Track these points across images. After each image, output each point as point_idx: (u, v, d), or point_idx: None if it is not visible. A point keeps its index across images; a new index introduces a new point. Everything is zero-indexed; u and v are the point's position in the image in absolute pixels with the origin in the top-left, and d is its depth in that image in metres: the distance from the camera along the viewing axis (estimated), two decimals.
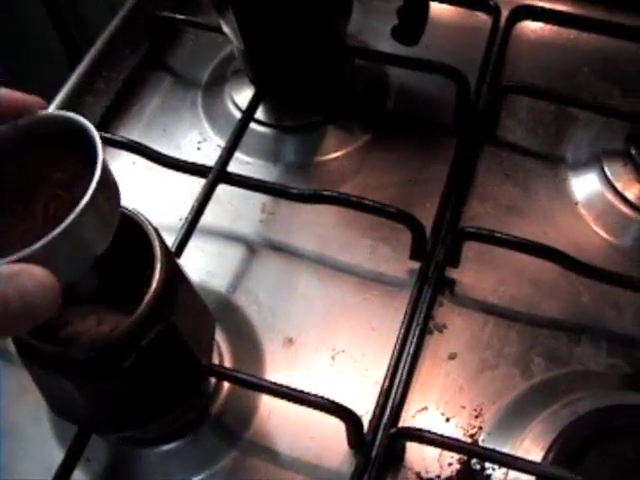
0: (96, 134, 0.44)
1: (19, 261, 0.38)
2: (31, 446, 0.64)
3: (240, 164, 0.75)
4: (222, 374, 0.60)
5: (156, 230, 0.52)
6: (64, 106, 0.83)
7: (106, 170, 0.43)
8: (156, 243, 0.51)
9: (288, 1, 0.68)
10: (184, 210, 0.73)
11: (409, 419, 0.62)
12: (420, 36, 0.72)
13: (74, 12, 1.35)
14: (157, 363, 0.52)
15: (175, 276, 0.52)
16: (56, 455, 0.62)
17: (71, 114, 0.45)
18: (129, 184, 0.75)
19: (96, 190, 0.41)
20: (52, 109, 0.82)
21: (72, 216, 0.40)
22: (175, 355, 0.54)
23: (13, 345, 0.51)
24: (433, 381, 0.64)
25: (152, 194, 0.77)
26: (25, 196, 0.45)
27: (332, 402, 0.58)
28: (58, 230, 0.39)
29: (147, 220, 0.52)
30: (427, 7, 0.70)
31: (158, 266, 0.50)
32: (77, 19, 1.36)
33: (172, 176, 0.75)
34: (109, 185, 0.45)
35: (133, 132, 0.82)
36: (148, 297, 0.49)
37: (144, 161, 0.76)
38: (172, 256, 0.54)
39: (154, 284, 0.49)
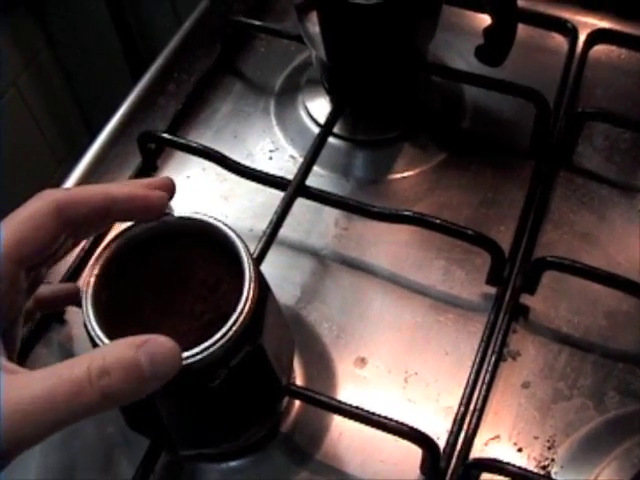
0: (240, 244, 0.50)
1: None
2: (95, 453, 0.64)
3: (314, 176, 0.74)
4: (301, 395, 0.60)
5: (244, 242, 0.51)
6: (136, 106, 0.83)
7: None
8: (246, 258, 0.50)
9: (377, 18, 0.67)
10: (254, 219, 0.73)
11: (481, 447, 0.62)
12: (505, 57, 0.72)
13: (140, 27, 1.35)
14: (241, 383, 0.51)
15: (264, 295, 0.51)
16: (121, 463, 0.62)
17: (214, 220, 0.51)
18: (198, 190, 0.75)
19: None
20: (122, 110, 0.82)
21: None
22: (258, 375, 0.53)
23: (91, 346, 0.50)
24: (506, 410, 0.63)
25: (221, 201, 0.76)
26: (172, 288, 0.51)
27: (411, 428, 0.57)
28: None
29: (235, 232, 0.52)
30: (515, 29, 0.69)
31: (249, 285, 0.49)
32: (142, 33, 1.36)
33: (242, 184, 0.74)
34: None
35: (204, 137, 0.81)
36: (240, 316, 0.48)
37: (214, 167, 0.75)
38: (261, 273, 0.53)
39: (245, 303, 0.48)
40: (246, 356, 0.49)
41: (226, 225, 0.51)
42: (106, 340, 0.48)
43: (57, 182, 1.36)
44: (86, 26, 1.39)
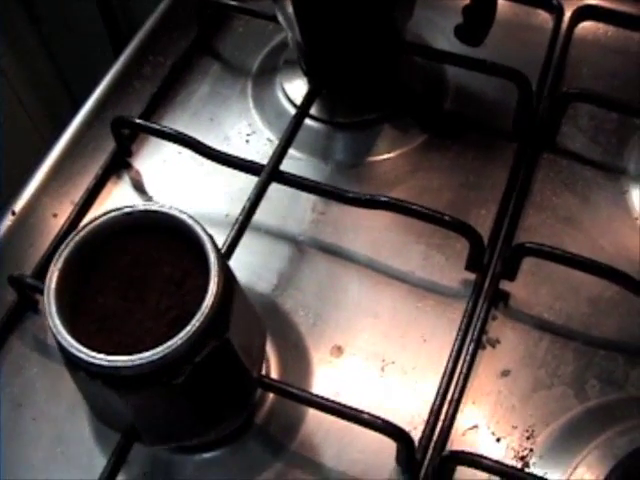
0: (206, 237, 0.49)
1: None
2: (70, 446, 0.63)
3: (291, 160, 0.73)
4: (273, 387, 0.59)
5: (211, 237, 0.50)
6: (110, 90, 0.81)
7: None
8: (212, 254, 0.49)
9: None
10: (230, 205, 0.72)
11: (459, 437, 0.61)
12: (485, 37, 0.70)
13: (123, 4, 1.33)
14: (208, 378, 0.50)
15: (230, 289, 0.50)
16: (95, 455, 0.61)
17: (179, 213, 0.50)
18: (174, 175, 0.74)
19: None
20: (97, 94, 0.80)
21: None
22: (227, 369, 0.52)
23: (58, 350, 0.49)
24: (485, 398, 0.62)
25: (197, 186, 0.75)
26: (138, 283, 0.50)
27: (385, 421, 0.56)
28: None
29: (200, 225, 0.50)
30: (495, 7, 0.68)
31: (214, 279, 0.48)
32: (125, 11, 1.35)
33: (219, 168, 0.73)
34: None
35: (180, 120, 0.80)
36: (204, 312, 0.47)
37: (189, 152, 0.73)
38: (228, 267, 0.52)
39: (210, 300, 0.47)
40: (212, 351, 0.48)
41: (191, 218, 0.50)
42: (68, 337, 0.47)
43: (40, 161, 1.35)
44: (69, 3, 1.37)
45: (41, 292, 0.64)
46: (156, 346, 0.46)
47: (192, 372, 0.48)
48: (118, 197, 0.75)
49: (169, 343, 0.46)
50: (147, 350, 0.46)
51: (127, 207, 0.51)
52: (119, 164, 0.77)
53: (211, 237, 0.50)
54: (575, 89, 0.74)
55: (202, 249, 0.49)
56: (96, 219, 0.51)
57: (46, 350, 0.67)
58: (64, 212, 0.73)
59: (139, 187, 0.75)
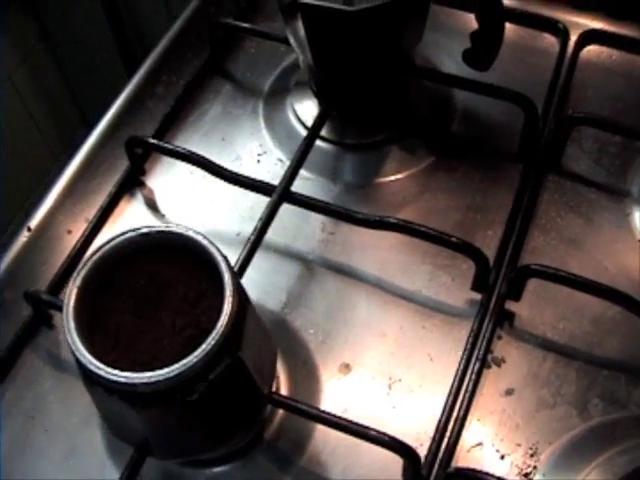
0: (220, 258, 0.51)
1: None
2: (82, 458, 0.64)
3: (300, 180, 0.74)
4: (283, 403, 0.60)
5: (225, 258, 0.51)
6: (124, 109, 0.83)
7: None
8: (226, 274, 0.50)
9: (361, 24, 0.67)
10: (241, 223, 0.73)
11: (464, 454, 0.62)
12: (492, 61, 0.71)
13: (134, 21, 1.35)
14: (221, 395, 0.52)
15: (244, 308, 0.52)
16: (107, 468, 0.63)
17: (194, 234, 0.52)
18: (186, 194, 0.75)
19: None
20: (111, 114, 0.82)
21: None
22: (239, 386, 0.54)
23: (76, 365, 0.50)
24: (489, 417, 0.63)
25: (209, 205, 0.77)
26: (154, 302, 0.51)
27: (392, 438, 0.57)
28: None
29: (215, 246, 0.52)
30: (502, 33, 0.69)
31: (229, 299, 0.49)
32: (136, 28, 1.36)
33: (230, 187, 0.74)
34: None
35: (192, 139, 0.81)
36: (218, 331, 0.48)
37: (201, 171, 0.75)
38: (241, 287, 0.53)
39: (224, 318, 0.49)
40: (225, 369, 0.50)
41: (206, 239, 0.51)
42: (86, 354, 0.48)
43: (52, 177, 1.37)
44: (80, 20, 1.39)
45: (55, 308, 0.66)
46: (172, 364, 0.47)
47: (206, 389, 0.49)
48: (131, 215, 0.76)
49: (185, 361, 0.47)
50: (163, 368, 0.47)
51: (144, 228, 0.53)
52: (132, 183, 0.78)
53: (225, 258, 0.51)
54: (580, 113, 0.76)
55: (216, 269, 0.51)
56: (113, 239, 0.52)
57: (59, 364, 0.69)
58: (78, 229, 0.75)
59: (152, 205, 0.77)
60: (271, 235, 0.70)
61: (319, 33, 0.69)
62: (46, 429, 0.65)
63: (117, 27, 1.33)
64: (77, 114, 1.55)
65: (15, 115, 1.38)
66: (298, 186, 0.73)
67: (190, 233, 0.52)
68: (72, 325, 0.49)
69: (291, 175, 0.71)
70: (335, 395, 0.65)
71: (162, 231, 0.53)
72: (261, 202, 0.72)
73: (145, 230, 0.52)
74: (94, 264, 0.52)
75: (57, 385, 0.67)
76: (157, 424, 0.53)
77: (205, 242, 0.51)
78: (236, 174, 0.72)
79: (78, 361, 0.48)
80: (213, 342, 0.48)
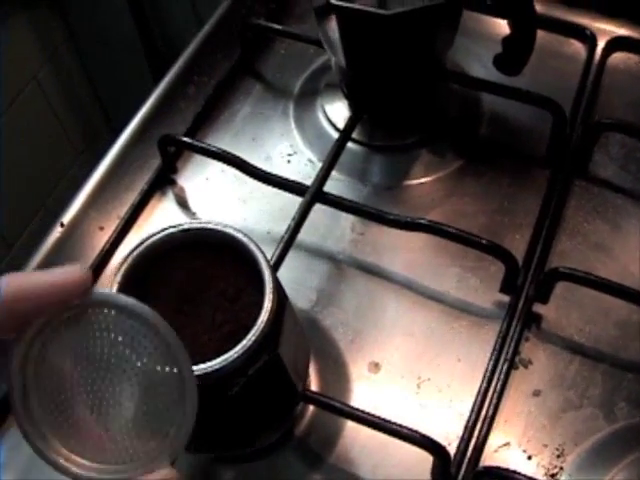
0: (260, 255, 0.51)
1: None
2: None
3: (330, 180, 0.75)
4: (316, 400, 0.61)
5: (264, 255, 0.52)
6: (156, 109, 0.84)
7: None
8: (266, 271, 0.51)
9: (396, 28, 0.67)
10: (272, 222, 0.74)
11: (491, 454, 0.62)
12: (523, 67, 0.72)
13: (160, 22, 1.36)
14: (257, 390, 0.53)
15: (282, 305, 0.52)
16: None
17: (234, 231, 0.52)
18: (216, 192, 0.76)
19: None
20: (143, 113, 0.83)
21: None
22: (275, 382, 0.55)
23: None
24: (516, 417, 0.64)
25: (239, 203, 0.78)
26: (193, 298, 0.52)
27: (423, 435, 0.58)
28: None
29: (255, 243, 0.53)
30: (534, 38, 0.70)
31: (269, 296, 0.50)
32: (162, 28, 1.37)
33: (260, 187, 0.75)
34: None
35: (223, 140, 0.82)
36: (259, 327, 0.49)
37: (233, 170, 0.76)
38: (280, 285, 0.54)
39: (265, 316, 0.50)
40: (264, 365, 0.51)
41: (246, 236, 0.52)
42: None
43: (75, 174, 1.38)
44: (106, 20, 1.40)
45: None
46: (212, 359, 0.48)
47: (244, 384, 0.50)
48: (162, 212, 0.78)
49: (226, 356, 0.48)
50: (203, 362, 0.48)
51: (184, 224, 0.53)
52: (164, 181, 0.79)
53: (265, 255, 0.52)
54: (608, 119, 0.76)
55: (256, 266, 0.51)
56: (154, 235, 0.53)
57: None
58: (110, 225, 0.76)
59: (182, 203, 0.78)
60: (302, 234, 0.71)
61: (353, 36, 0.70)
62: None
63: (143, 27, 1.34)
64: (101, 114, 1.56)
65: (40, 113, 1.39)
66: (328, 186, 0.74)
67: (230, 230, 0.53)
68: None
69: (323, 176, 0.72)
70: (365, 393, 0.66)
71: (202, 228, 0.53)
72: (291, 201, 0.73)
73: (185, 226, 0.53)
74: (135, 260, 0.52)
75: None
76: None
77: (245, 239, 0.52)
78: (270, 174, 0.73)
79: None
80: (253, 338, 0.49)
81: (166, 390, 0.39)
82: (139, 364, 0.38)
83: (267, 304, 0.50)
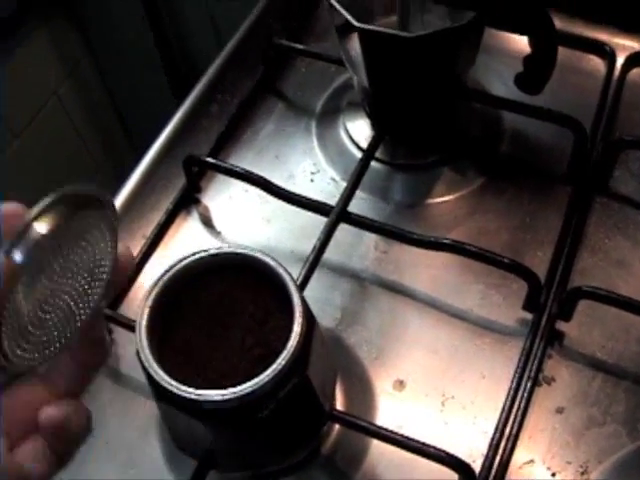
0: (289, 279, 0.52)
1: None
2: (142, 470, 0.66)
3: (354, 199, 0.75)
4: (343, 420, 0.62)
5: (293, 279, 0.53)
6: (179, 128, 0.85)
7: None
8: (295, 295, 0.52)
9: (419, 47, 0.68)
10: (295, 241, 0.75)
11: (516, 471, 0.63)
12: (544, 85, 0.73)
13: (180, 38, 1.37)
14: (286, 411, 0.53)
15: (311, 328, 0.53)
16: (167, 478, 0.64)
17: (262, 255, 0.53)
18: (240, 211, 0.77)
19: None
20: (167, 132, 0.84)
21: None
22: (303, 403, 0.55)
23: (148, 382, 0.51)
24: (540, 434, 0.65)
25: (262, 223, 0.78)
26: (223, 321, 0.53)
27: (449, 454, 0.59)
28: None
29: (283, 268, 0.54)
30: (555, 57, 0.71)
31: (298, 320, 0.51)
32: (182, 44, 1.39)
33: (283, 206, 0.76)
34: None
35: (246, 158, 0.83)
36: (289, 351, 0.50)
37: (256, 189, 0.77)
38: (308, 308, 0.55)
39: (294, 338, 0.50)
40: (293, 387, 0.51)
41: (275, 260, 0.53)
42: (160, 371, 0.50)
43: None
44: (126, 37, 1.41)
45: (115, 322, 0.68)
46: (241, 382, 0.49)
47: (274, 407, 0.51)
48: (187, 232, 0.78)
49: (256, 380, 0.49)
50: (233, 385, 0.49)
51: (213, 249, 0.54)
52: (188, 200, 0.80)
53: (293, 279, 0.53)
54: (629, 136, 0.77)
55: (284, 290, 0.52)
56: (184, 259, 0.54)
57: (118, 378, 0.71)
58: (136, 245, 0.77)
59: (207, 222, 0.79)
60: (326, 253, 0.72)
61: (376, 56, 0.71)
62: (107, 441, 0.67)
63: (162, 43, 1.35)
64: (120, 129, 1.57)
65: (60, 128, 1.41)
66: (352, 205, 0.74)
67: (259, 255, 0.53)
68: (145, 343, 0.51)
69: (348, 196, 0.72)
70: (390, 411, 0.66)
71: (231, 252, 0.54)
72: (314, 221, 0.74)
73: (214, 251, 0.54)
74: (164, 283, 0.53)
75: (116, 398, 0.69)
76: (225, 439, 0.55)
77: (273, 263, 0.53)
78: (294, 194, 0.74)
79: (150, 378, 0.50)
80: (283, 362, 0.49)
81: None
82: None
83: (296, 328, 0.51)
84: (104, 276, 0.43)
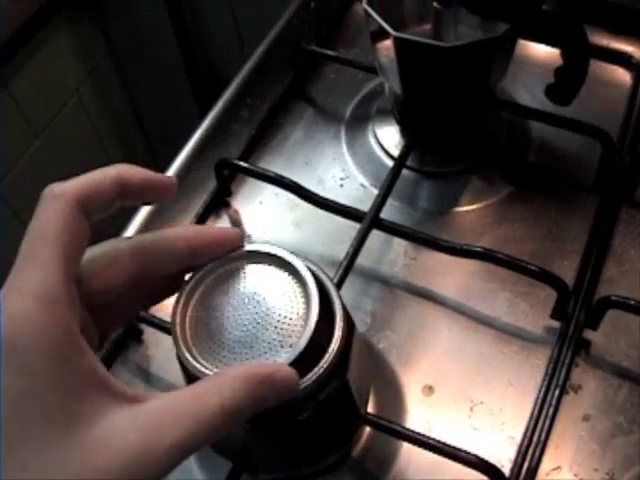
0: (331, 285, 0.54)
1: None
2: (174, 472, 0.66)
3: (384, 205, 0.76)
4: (377, 424, 0.62)
5: (334, 284, 0.54)
6: (210, 131, 0.86)
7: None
8: (336, 300, 0.53)
9: (454, 57, 0.69)
10: (323, 246, 0.76)
11: (543, 477, 0.64)
12: (574, 97, 0.74)
13: (202, 40, 1.38)
14: (325, 414, 0.54)
15: (351, 333, 0.54)
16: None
17: (301, 259, 0.52)
18: (271, 216, 0.78)
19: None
20: (198, 136, 0.85)
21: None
22: (341, 406, 0.56)
23: (186, 383, 0.52)
24: (567, 442, 0.65)
25: (292, 227, 0.79)
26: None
27: (480, 459, 0.59)
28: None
29: (324, 273, 0.54)
30: (587, 69, 0.71)
31: (340, 324, 0.52)
32: (204, 47, 1.39)
33: (313, 211, 0.77)
34: None
35: (276, 163, 0.84)
36: (330, 354, 0.51)
37: (286, 194, 0.78)
38: (348, 313, 0.55)
39: (335, 342, 0.51)
40: (333, 391, 0.52)
41: (315, 264, 0.54)
42: (202, 369, 0.50)
43: None
44: (148, 38, 1.42)
45: (146, 322, 0.68)
46: None
47: (314, 409, 0.52)
48: None
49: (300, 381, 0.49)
50: None
51: (248, 247, 0.54)
52: (219, 203, 0.81)
53: (334, 284, 0.54)
54: None
55: (325, 295, 0.53)
56: (217, 258, 0.54)
57: (148, 377, 0.71)
58: None
59: (238, 226, 0.79)
60: (357, 259, 0.73)
61: (410, 65, 0.72)
62: None
63: (185, 47, 1.36)
64: (139, 131, 1.58)
65: (80, 128, 1.42)
66: (382, 212, 0.75)
67: (299, 259, 0.54)
68: (181, 343, 0.51)
69: (380, 203, 0.73)
70: (419, 415, 0.67)
71: (266, 252, 0.54)
72: (343, 225, 0.75)
73: (249, 249, 0.54)
74: (195, 283, 0.53)
75: None
76: (263, 441, 0.55)
77: (314, 267, 0.53)
78: (326, 199, 0.75)
79: (190, 377, 0.51)
80: (325, 366, 0.50)
81: None
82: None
83: (338, 332, 0.51)
84: None
